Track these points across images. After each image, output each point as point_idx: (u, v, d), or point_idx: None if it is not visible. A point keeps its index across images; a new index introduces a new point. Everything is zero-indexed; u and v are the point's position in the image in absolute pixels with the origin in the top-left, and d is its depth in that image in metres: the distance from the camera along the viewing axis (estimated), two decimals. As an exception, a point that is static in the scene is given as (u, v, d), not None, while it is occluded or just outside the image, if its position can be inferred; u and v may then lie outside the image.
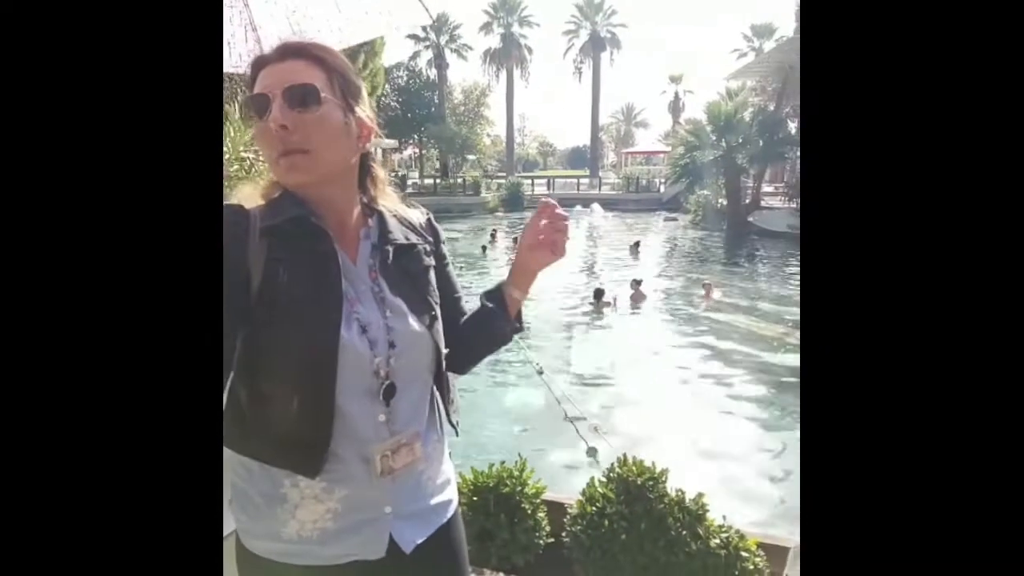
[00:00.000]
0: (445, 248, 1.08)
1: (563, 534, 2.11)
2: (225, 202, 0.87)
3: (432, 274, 1.01)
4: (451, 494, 1.03)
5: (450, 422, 1.05)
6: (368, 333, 0.88)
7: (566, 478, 4.11)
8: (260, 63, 0.88)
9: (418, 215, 1.05)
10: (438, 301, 1.00)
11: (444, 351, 0.98)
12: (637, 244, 14.90)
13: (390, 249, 0.95)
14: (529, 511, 2.18)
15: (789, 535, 2.33)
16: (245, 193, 0.92)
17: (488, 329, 1.06)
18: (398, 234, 0.98)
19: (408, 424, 0.93)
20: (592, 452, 4.55)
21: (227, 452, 0.90)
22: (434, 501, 0.99)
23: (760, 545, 1.96)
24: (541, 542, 2.17)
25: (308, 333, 0.83)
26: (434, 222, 1.08)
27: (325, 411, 0.84)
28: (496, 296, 1.05)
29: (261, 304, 0.81)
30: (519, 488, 2.20)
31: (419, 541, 0.94)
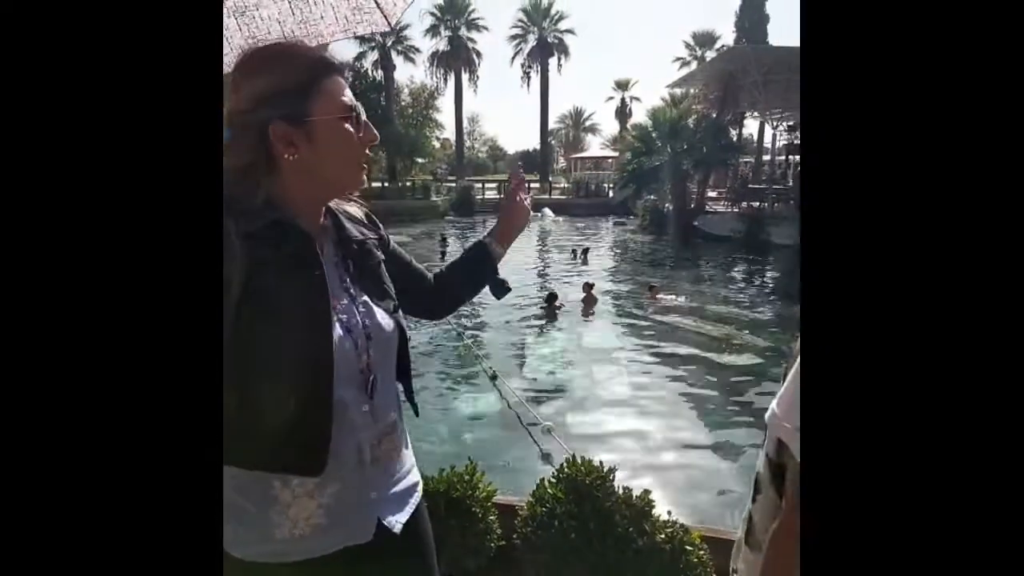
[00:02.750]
0: (384, 231, 1.12)
1: (514, 536, 2.12)
2: None
3: (383, 267, 1.04)
4: (417, 476, 1.08)
5: (411, 402, 1.10)
6: (352, 331, 0.91)
7: (519, 482, 4.13)
8: (332, 69, 0.90)
9: (356, 209, 1.07)
10: (394, 291, 1.03)
11: (409, 336, 1.03)
12: (586, 251, 15.06)
13: (351, 246, 0.98)
14: (480, 515, 2.18)
15: (735, 528, 2.41)
16: None
17: (474, 277, 1.21)
18: (352, 230, 1.00)
19: (387, 412, 0.97)
20: (547, 456, 4.59)
21: None
22: (407, 484, 1.03)
23: (703, 538, 2.02)
24: (492, 545, 2.18)
25: (303, 336, 0.85)
26: (371, 214, 1.10)
27: (325, 411, 0.86)
28: (480, 250, 1.20)
29: (246, 310, 0.81)
30: (470, 492, 2.20)
31: (403, 521, 0.98)
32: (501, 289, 1.22)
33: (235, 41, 1.90)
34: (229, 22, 1.81)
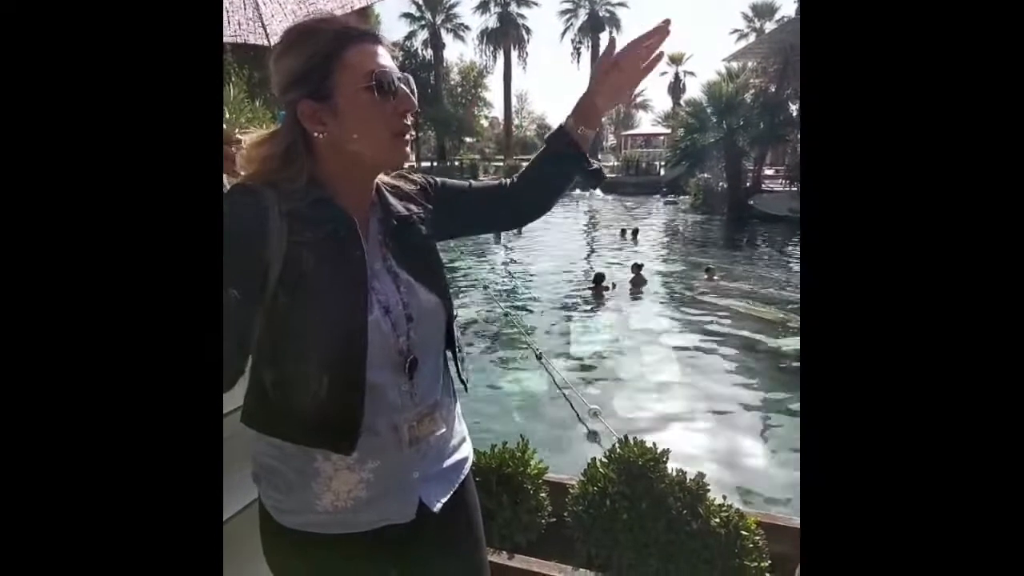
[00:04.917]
0: (431, 178, 1.08)
1: (565, 514, 2.13)
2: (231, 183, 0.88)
3: (431, 243, 1.02)
4: (466, 451, 1.07)
5: (461, 380, 1.08)
6: (390, 312, 0.90)
7: (566, 461, 4.14)
8: (356, 39, 0.85)
9: (407, 184, 1.03)
10: (443, 271, 1.02)
11: (455, 317, 1.02)
12: (636, 231, 14.82)
13: (395, 223, 0.96)
14: (531, 491, 2.19)
15: (791, 515, 2.35)
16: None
17: (562, 170, 1.09)
18: (399, 207, 0.98)
19: (429, 393, 0.96)
20: (593, 436, 4.59)
21: (252, 433, 0.92)
22: (453, 460, 1.03)
23: (760, 524, 1.98)
24: (543, 521, 2.19)
25: (337, 316, 0.85)
26: (428, 179, 1.07)
27: (357, 391, 0.86)
28: (560, 137, 1.08)
29: (284, 287, 0.82)
30: (521, 468, 2.21)
31: (444, 500, 0.98)
32: (593, 177, 1.09)
33: (288, 7, 1.94)
34: None
